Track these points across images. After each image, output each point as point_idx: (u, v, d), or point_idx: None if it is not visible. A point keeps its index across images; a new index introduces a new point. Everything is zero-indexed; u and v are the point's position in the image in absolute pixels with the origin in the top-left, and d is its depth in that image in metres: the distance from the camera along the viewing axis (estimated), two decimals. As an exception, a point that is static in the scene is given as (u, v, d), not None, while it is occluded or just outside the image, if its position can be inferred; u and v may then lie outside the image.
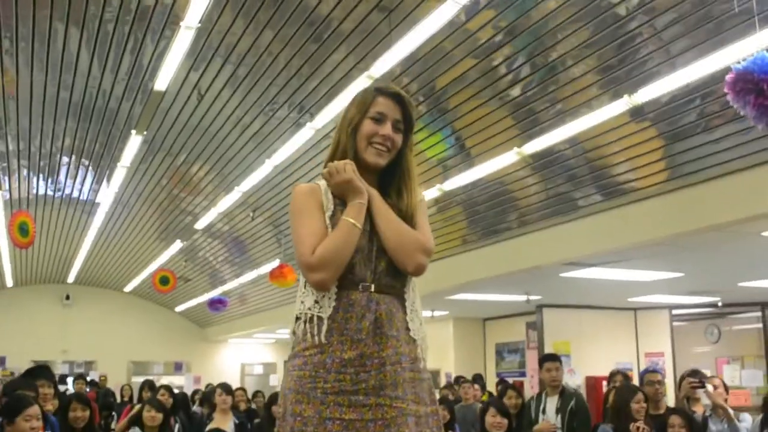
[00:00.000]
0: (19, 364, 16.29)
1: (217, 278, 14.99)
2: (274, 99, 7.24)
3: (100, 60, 6.65)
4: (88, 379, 13.77)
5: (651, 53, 5.28)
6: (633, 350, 12.68)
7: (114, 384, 14.66)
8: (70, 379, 14.76)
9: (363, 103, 2.14)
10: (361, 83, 5.87)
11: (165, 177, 10.13)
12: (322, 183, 2.11)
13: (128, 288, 18.25)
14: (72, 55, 6.56)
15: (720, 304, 12.01)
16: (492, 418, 5.44)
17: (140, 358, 19.19)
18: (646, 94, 5.43)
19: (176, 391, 8.34)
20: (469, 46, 5.80)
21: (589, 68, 5.67)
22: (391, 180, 2.16)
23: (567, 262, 8.18)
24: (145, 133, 8.08)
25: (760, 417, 5.34)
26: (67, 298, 18.67)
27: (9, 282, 16.93)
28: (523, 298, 11.13)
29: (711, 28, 4.84)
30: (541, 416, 5.75)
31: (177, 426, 6.96)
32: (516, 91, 6.23)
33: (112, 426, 8.93)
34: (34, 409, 4.10)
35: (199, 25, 5.33)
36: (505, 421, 5.44)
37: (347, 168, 2.05)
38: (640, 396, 5.03)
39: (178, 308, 19.02)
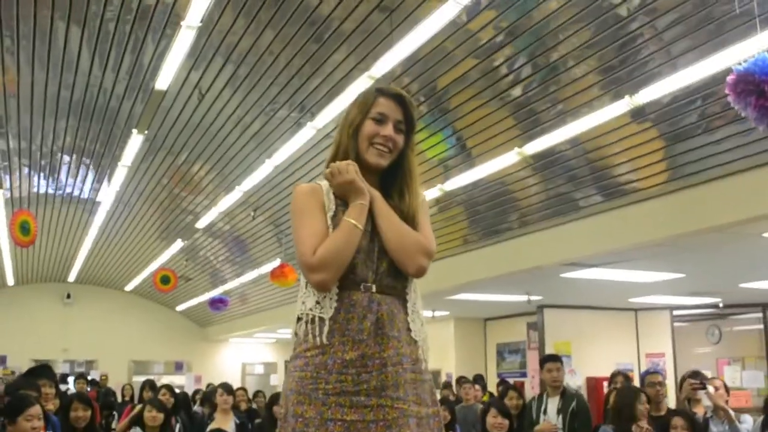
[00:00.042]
0: (19, 363, 16.33)
1: (218, 278, 14.99)
2: (275, 99, 7.24)
3: (101, 59, 6.65)
4: (89, 378, 13.78)
5: (652, 54, 5.28)
6: (634, 351, 12.67)
7: (114, 383, 14.66)
8: (71, 379, 14.78)
9: (364, 103, 2.14)
10: (361, 83, 5.87)
11: (166, 176, 10.14)
12: (324, 183, 2.10)
13: (129, 287, 18.26)
14: (73, 54, 6.57)
15: (721, 305, 12.01)
16: (493, 418, 5.44)
17: (141, 357, 19.20)
18: (647, 94, 5.43)
19: (177, 390, 8.33)
20: (470, 47, 5.80)
21: (591, 69, 5.67)
22: (393, 181, 2.16)
23: (568, 262, 8.18)
24: (146, 132, 8.09)
25: (761, 418, 5.34)
26: (68, 296, 18.68)
27: (10, 280, 16.94)
28: (524, 298, 11.13)
29: (712, 29, 4.84)
30: (542, 417, 5.75)
31: (178, 426, 6.97)
32: (517, 92, 6.22)
33: (113, 425, 8.94)
34: (36, 409, 4.10)
35: (200, 24, 5.33)
36: (506, 422, 5.44)
37: (350, 169, 2.05)
38: (644, 398, 5.03)
39: (179, 307, 19.03)
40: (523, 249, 8.50)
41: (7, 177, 9.90)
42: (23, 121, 8.12)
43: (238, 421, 6.97)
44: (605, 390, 8.21)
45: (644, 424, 4.78)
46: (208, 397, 9.15)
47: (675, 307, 12.36)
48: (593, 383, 11.68)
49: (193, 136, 8.55)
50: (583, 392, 10.67)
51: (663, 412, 5.48)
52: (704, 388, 5.43)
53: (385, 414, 1.90)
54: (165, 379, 14.66)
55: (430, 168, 7.74)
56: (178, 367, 19.47)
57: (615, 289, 10.17)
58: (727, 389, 5.72)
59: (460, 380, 8.88)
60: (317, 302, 1.99)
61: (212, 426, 6.80)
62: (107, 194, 10.62)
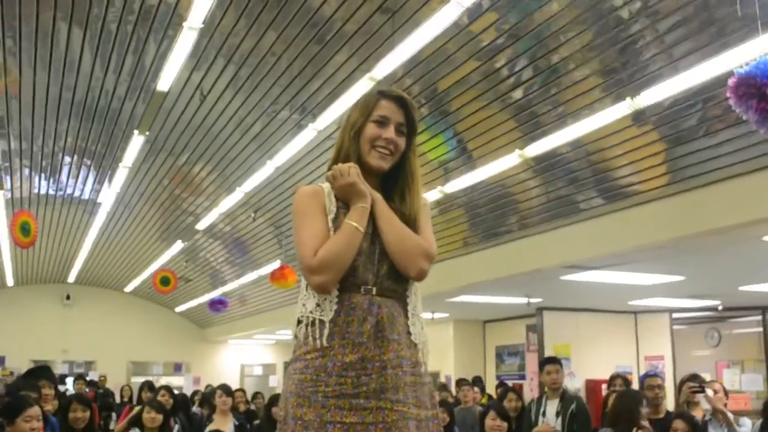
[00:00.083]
0: (18, 363, 16.32)
1: (218, 279, 14.99)
2: (277, 100, 7.25)
3: (102, 60, 6.66)
4: (88, 379, 13.77)
5: (653, 57, 5.28)
6: (633, 353, 12.67)
7: (113, 384, 14.67)
8: (69, 380, 14.77)
9: (366, 106, 2.14)
10: (363, 85, 5.87)
11: (167, 177, 10.14)
12: (326, 185, 2.11)
13: (129, 288, 18.26)
14: (75, 55, 6.57)
15: (720, 307, 12.00)
16: (492, 421, 5.44)
17: (140, 358, 19.20)
18: (649, 97, 5.43)
19: (176, 392, 8.33)
20: (471, 49, 5.80)
21: (592, 71, 5.67)
22: (394, 183, 2.16)
23: (568, 265, 8.18)
24: (147, 133, 8.09)
25: (760, 421, 5.34)
26: (68, 297, 18.69)
27: (9, 281, 16.95)
28: (524, 300, 11.13)
29: (714, 32, 4.85)
30: (541, 419, 5.74)
31: (177, 427, 6.96)
32: (518, 94, 6.23)
33: (111, 426, 8.93)
34: (35, 410, 4.10)
35: (202, 25, 5.34)
36: (505, 425, 5.44)
37: (351, 171, 2.05)
38: (645, 402, 5.02)
39: (179, 309, 19.03)
40: (523, 251, 8.50)
41: (8, 178, 9.91)
42: (24, 122, 8.13)
43: (237, 423, 6.96)
44: (604, 393, 8.21)
45: (646, 422, 4.77)
46: (207, 398, 9.15)
47: (674, 310, 12.37)
48: (592, 386, 11.68)
49: (195, 137, 8.55)
50: (582, 395, 10.67)
51: (662, 415, 5.47)
52: (703, 391, 5.42)
53: (385, 416, 1.90)
54: (164, 380, 14.67)
55: (431, 170, 7.74)
56: (177, 368, 19.46)
57: (614, 292, 10.18)
58: (726, 392, 5.72)
59: (461, 382, 8.88)
60: (317, 305, 1.99)
61: (211, 427, 6.79)
62: (108, 195, 10.62)
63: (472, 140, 7.18)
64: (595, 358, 11.93)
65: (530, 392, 12.25)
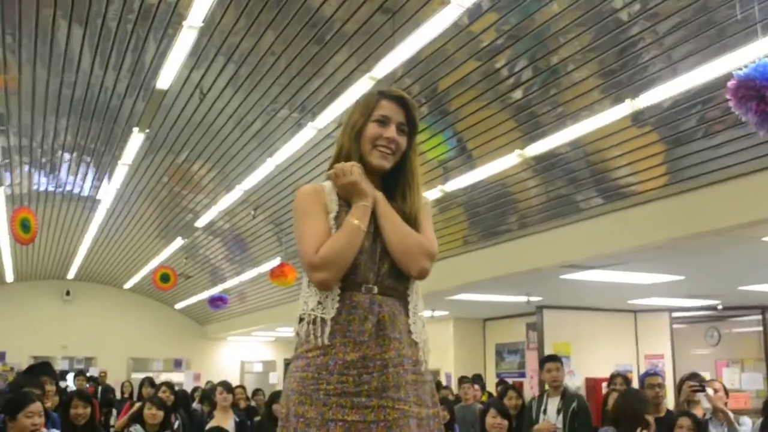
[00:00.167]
0: (18, 359, 16.36)
1: (218, 276, 15.00)
2: (276, 99, 7.25)
3: (102, 58, 6.67)
4: (88, 375, 13.80)
5: (653, 58, 5.29)
6: (633, 352, 12.68)
7: (113, 380, 14.68)
8: (70, 376, 14.79)
9: (366, 106, 2.15)
10: (363, 84, 5.88)
11: (166, 175, 10.15)
12: (327, 184, 2.12)
13: (128, 285, 18.26)
14: (74, 53, 6.58)
15: (720, 307, 12.02)
16: (492, 419, 5.45)
17: (140, 354, 19.20)
18: (648, 98, 5.44)
19: (176, 388, 8.35)
20: (471, 49, 5.81)
21: (591, 72, 5.68)
22: (395, 183, 2.17)
23: (567, 264, 8.19)
24: (147, 131, 8.10)
25: (760, 420, 5.35)
26: (68, 294, 18.69)
27: (9, 277, 16.95)
28: (524, 299, 11.14)
29: (713, 34, 4.85)
30: (541, 416, 5.75)
31: (177, 423, 6.99)
32: (518, 94, 6.24)
33: (112, 422, 8.96)
34: (36, 406, 4.11)
35: (202, 24, 5.34)
36: (506, 422, 5.45)
37: (354, 170, 2.07)
38: (650, 404, 5.02)
39: (178, 305, 19.04)
40: (523, 250, 8.51)
41: (8, 174, 9.92)
42: (24, 119, 8.13)
43: (237, 419, 6.98)
44: (604, 391, 8.22)
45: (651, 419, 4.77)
46: (208, 395, 9.18)
47: (674, 309, 12.38)
48: (592, 384, 11.69)
49: (194, 135, 8.56)
50: (582, 393, 10.68)
51: (662, 414, 5.49)
52: (703, 390, 5.44)
53: (386, 415, 1.91)
54: (164, 377, 14.68)
55: (430, 169, 7.75)
56: (177, 365, 19.48)
57: (614, 291, 10.19)
58: (726, 391, 5.73)
59: (463, 380, 8.90)
60: (319, 302, 2.00)
61: (212, 424, 6.81)
62: (107, 192, 10.63)
63: (471, 140, 7.19)
64: (594, 357, 11.94)
65: (530, 390, 12.27)
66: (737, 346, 12.92)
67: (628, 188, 6.87)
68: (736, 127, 5.42)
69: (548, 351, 11.25)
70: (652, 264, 8.19)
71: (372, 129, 2.11)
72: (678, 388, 6.04)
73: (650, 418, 4.74)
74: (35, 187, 10.62)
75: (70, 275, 17.81)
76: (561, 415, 5.63)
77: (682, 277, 9.12)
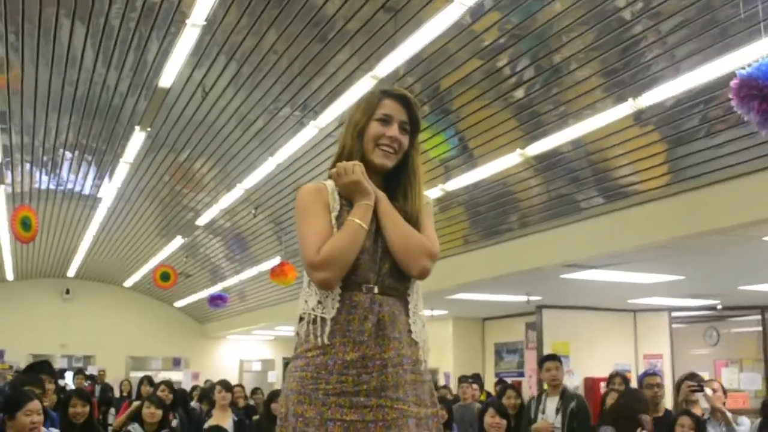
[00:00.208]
0: (17, 357, 16.36)
1: (218, 275, 15.00)
2: (278, 97, 7.26)
3: (105, 56, 6.67)
4: (87, 373, 13.79)
5: (655, 57, 5.29)
6: (632, 352, 12.69)
7: (112, 379, 14.69)
8: (69, 374, 14.79)
9: (369, 105, 2.15)
10: (365, 83, 5.88)
11: (167, 173, 10.14)
12: (329, 183, 2.11)
13: (128, 283, 18.25)
14: (77, 51, 6.58)
15: (719, 307, 12.02)
16: (491, 418, 5.44)
17: (139, 353, 19.20)
18: (651, 98, 5.43)
19: (175, 387, 8.35)
20: (474, 48, 5.81)
21: (593, 71, 5.68)
22: (397, 182, 2.17)
23: (568, 263, 8.19)
24: (148, 129, 8.10)
25: (758, 420, 5.36)
26: (67, 292, 18.69)
27: (9, 275, 16.94)
28: (524, 298, 11.14)
29: (716, 33, 4.85)
30: (540, 416, 5.76)
31: (176, 422, 6.98)
32: (520, 93, 6.24)
33: (110, 421, 8.96)
34: (35, 404, 4.11)
35: (205, 23, 5.34)
36: (504, 422, 5.44)
37: (356, 169, 2.06)
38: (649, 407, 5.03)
39: (178, 304, 19.03)
40: (523, 250, 8.51)
41: (9, 172, 9.92)
42: (26, 117, 8.13)
43: (236, 418, 6.99)
44: (602, 391, 8.23)
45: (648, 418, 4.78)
46: (206, 393, 9.17)
47: (673, 309, 12.38)
48: (591, 384, 11.70)
49: (196, 133, 8.56)
50: (581, 392, 10.69)
51: (661, 414, 5.49)
52: (702, 390, 5.44)
53: (385, 414, 1.91)
54: (162, 375, 14.67)
55: (432, 168, 7.75)
56: (176, 363, 19.47)
57: (614, 291, 10.19)
58: (724, 391, 5.74)
59: (463, 379, 8.89)
60: (319, 302, 2.00)
61: (210, 423, 6.81)
62: (108, 190, 10.63)
63: (473, 139, 7.19)
64: (593, 357, 11.94)
65: (529, 390, 12.27)
66: (736, 346, 12.91)
67: (630, 188, 6.87)
68: (738, 126, 5.42)
69: (547, 350, 11.25)
70: (653, 264, 8.19)
71: (374, 128, 2.11)
72: (676, 388, 6.05)
73: (644, 418, 4.75)
74: (36, 185, 10.62)
75: (70, 273, 17.80)
76: (560, 415, 5.64)
77: (682, 277, 9.12)
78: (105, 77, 7.11)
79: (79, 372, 12.86)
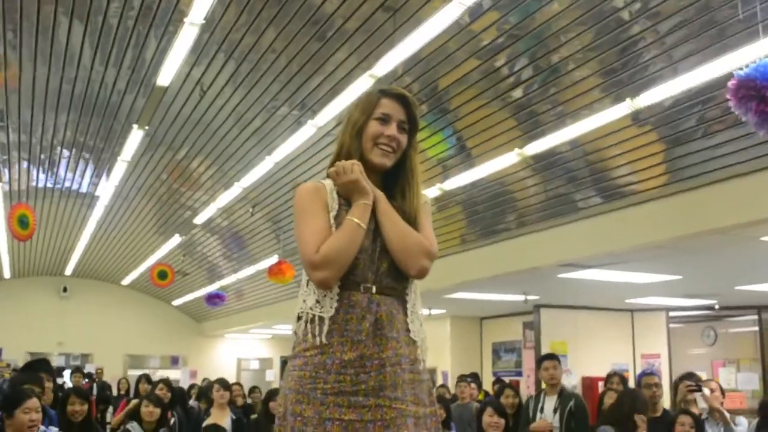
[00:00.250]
0: (15, 355, 16.33)
1: (215, 273, 15.00)
2: (276, 96, 7.25)
3: (102, 54, 6.66)
4: (85, 371, 13.78)
5: (653, 58, 5.29)
6: (629, 351, 12.70)
7: (110, 377, 14.67)
8: (66, 372, 14.77)
9: (367, 104, 2.15)
10: (363, 82, 5.88)
11: (165, 171, 10.14)
12: (328, 182, 2.11)
13: (126, 281, 18.25)
14: (75, 49, 6.57)
15: (717, 306, 12.03)
16: (489, 418, 5.45)
17: (136, 351, 19.18)
18: (648, 98, 5.44)
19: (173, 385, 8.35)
20: (472, 48, 5.81)
21: (592, 71, 5.68)
22: (395, 181, 2.17)
23: (565, 263, 8.19)
24: (146, 127, 8.09)
25: (756, 420, 5.37)
26: (65, 290, 18.66)
27: (6, 273, 16.93)
28: (521, 297, 11.14)
29: (714, 33, 4.85)
30: (539, 415, 5.77)
31: (174, 420, 6.98)
32: (518, 93, 6.24)
33: (108, 419, 8.96)
34: (33, 402, 4.11)
35: (203, 21, 5.34)
36: (502, 421, 5.45)
37: (354, 168, 2.06)
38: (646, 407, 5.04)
39: (175, 302, 19.03)
40: (521, 249, 8.51)
41: (6, 170, 9.90)
42: (24, 115, 8.12)
43: (234, 417, 6.99)
44: (600, 390, 8.23)
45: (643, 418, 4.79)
46: (205, 392, 9.17)
47: (671, 309, 12.39)
48: (588, 383, 11.70)
49: (194, 132, 8.55)
50: (579, 392, 10.70)
51: (659, 413, 5.50)
52: (699, 390, 5.45)
53: (383, 414, 1.91)
54: (160, 374, 14.67)
55: (430, 167, 7.75)
56: (174, 362, 19.46)
57: (612, 290, 10.20)
58: (722, 391, 5.75)
59: (460, 379, 8.90)
60: (317, 301, 2.00)
61: (208, 421, 6.82)
62: (106, 189, 10.62)
63: (471, 138, 7.19)
64: (591, 356, 11.95)
65: (527, 389, 12.28)
66: (733, 346, 12.93)
67: (627, 187, 6.87)
68: (735, 126, 5.43)
69: (545, 350, 11.25)
70: (651, 263, 8.20)
71: (373, 127, 2.11)
72: (674, 388, 6.06)
73: (640, 419, 4.76)
74: (34, 183, 10.61)
75: (68, 271, 17.79)
76: (558, 414, 5.65)
77: (679, 277, 9.13)
78: (103, 75, 7.10)
79: (76, 370, 12.85)
